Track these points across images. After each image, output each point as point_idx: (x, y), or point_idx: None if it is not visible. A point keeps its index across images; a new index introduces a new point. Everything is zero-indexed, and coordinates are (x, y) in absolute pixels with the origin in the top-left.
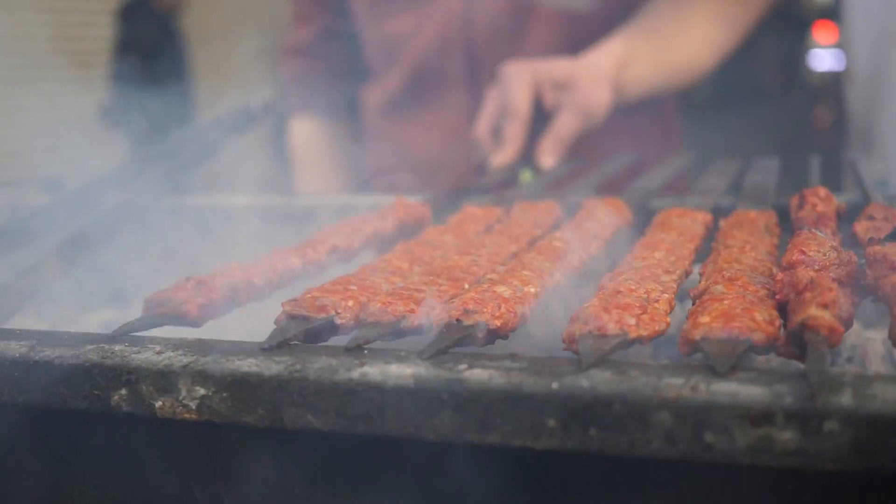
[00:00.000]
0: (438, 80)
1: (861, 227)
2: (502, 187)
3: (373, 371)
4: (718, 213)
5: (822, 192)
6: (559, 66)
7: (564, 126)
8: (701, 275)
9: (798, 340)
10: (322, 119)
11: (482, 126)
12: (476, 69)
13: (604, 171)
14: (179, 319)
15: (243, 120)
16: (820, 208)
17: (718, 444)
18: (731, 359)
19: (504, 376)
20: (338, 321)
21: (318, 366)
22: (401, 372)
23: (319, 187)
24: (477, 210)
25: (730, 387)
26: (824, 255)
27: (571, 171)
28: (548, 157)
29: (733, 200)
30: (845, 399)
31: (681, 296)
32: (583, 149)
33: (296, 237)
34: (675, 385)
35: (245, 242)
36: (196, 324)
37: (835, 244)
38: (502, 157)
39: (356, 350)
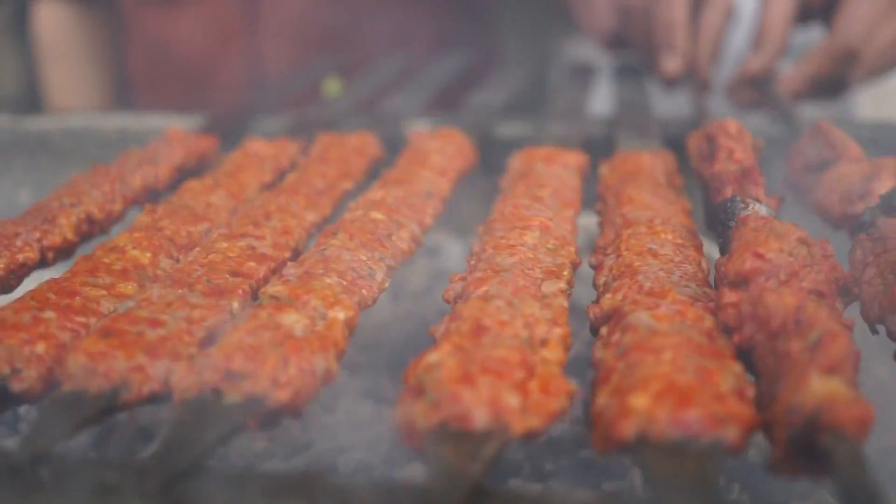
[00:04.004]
0: None
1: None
2: (300, 102)
3: None
4: (593, 149)
5: (734, 126)
6: None
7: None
8: (594, 269)
9: (805, 446)
10: (74, 3)
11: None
12: None
13: (431, 77)
14: None
15: None
16: (739, 155)
17: None
18: (700, 490)
19: None
20: (16, 388)
21: None
22: None
23: (72, 88)
24: (262, 147)
25: None
26: (790, 253)
27: (390, 75)
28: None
29: (606, 127)
30: None
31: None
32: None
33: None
34: None
35: None
36: None
37: (801, 234)
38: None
39: (26, 470)
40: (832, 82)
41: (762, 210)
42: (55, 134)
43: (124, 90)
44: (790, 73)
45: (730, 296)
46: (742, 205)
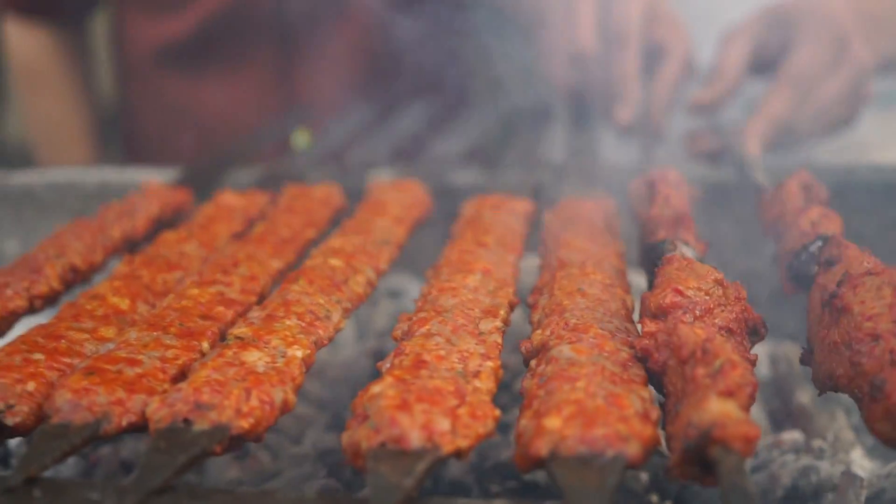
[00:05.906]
0: (242, 32)
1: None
2: (274, 153)
3: None
4: (544, 195)
5: (673, 175)
6: None
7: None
8: (530, 308)
9: (697, 455)
10: (49, 27)
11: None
12: (288, 23)
13: (396, 128)
14: None
15: None
16: (675, 202)
17: None
18: (600, 497)
19: None
20: (9, 421)
21: None
22: None
23: (53, 118)
24: (233, 199)
25: None
26: (707, 293)
27: (359, 126)
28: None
29: (554, 176)
30: None
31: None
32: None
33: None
34: None
35: None
36: None
37: (718, 276)
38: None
39: (23, 489)
40: (789, 127)
41: (689, 252)
42: (40, 187)
43: (133, 147)
44: (752, 119)
45: (650, 325)
46: (671, 247)
